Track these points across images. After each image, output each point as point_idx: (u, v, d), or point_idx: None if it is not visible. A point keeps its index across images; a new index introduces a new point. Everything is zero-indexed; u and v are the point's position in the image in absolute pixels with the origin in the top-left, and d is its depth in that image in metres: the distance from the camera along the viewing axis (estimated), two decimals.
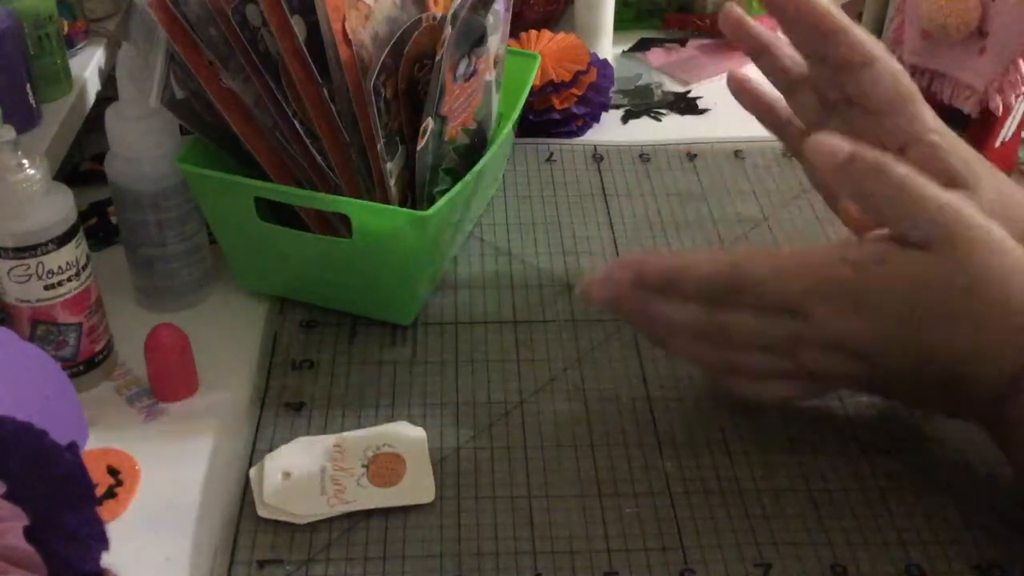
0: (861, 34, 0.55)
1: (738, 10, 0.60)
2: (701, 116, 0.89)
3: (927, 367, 0.49)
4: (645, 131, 0.87)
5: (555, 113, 0.84)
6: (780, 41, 0.61)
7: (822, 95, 0.59)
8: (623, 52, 0.99)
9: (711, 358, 0.54)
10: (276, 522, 0.53)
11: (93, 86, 0.76)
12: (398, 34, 0.58)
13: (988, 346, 0.48)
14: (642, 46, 1.00)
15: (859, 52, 0.55)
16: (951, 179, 0.53)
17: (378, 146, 0.58)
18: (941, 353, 0.48)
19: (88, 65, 0.75)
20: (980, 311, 0.47)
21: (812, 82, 0.60)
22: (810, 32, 0.56)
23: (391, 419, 0.59)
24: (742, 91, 0.64)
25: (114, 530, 0.48)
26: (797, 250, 0.50)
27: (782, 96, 0.62)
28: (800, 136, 0.62)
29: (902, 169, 0.48)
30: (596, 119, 0.87)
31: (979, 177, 0.54)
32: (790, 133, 0.63)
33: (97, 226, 0.74)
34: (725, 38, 0.63)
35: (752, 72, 0.63)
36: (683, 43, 1.00)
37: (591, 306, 0.54)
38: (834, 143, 0.49)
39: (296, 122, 0.59)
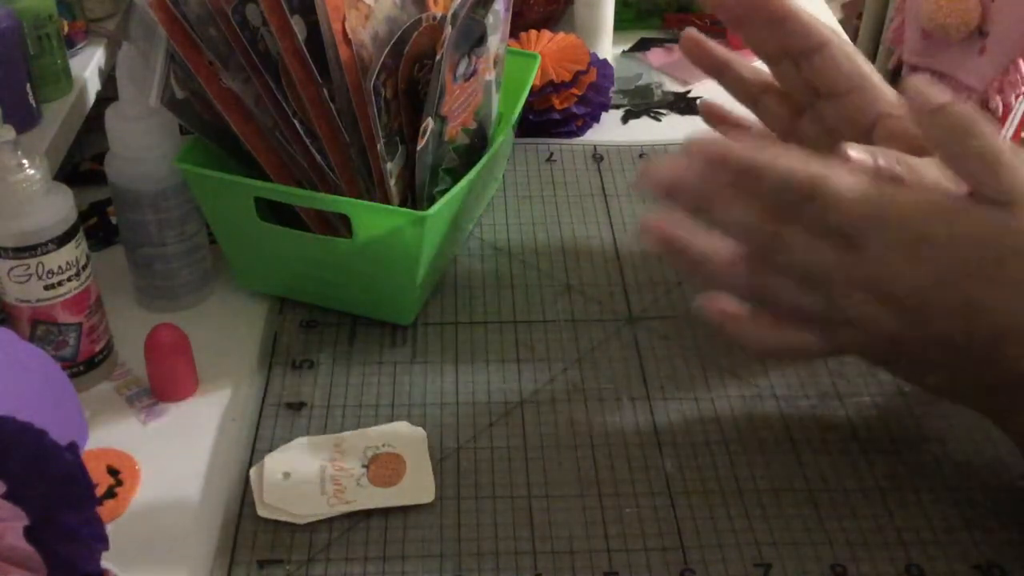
0: (810, 19, 0.57)
1: (696, 32, 0.62)
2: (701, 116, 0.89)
3: (965, 330, 0.48)
4: (645, 131, 0.87)
5: (555, 113, 0.84)
6: (738, 57, 0.62)
7: (790, 98, 0.61)
8: (623, 52, 0.99)
9: (743, 284, 0.51)
10: (276, 522, 0.53)
11: (93, 86, 0.76)
12: (398, 34, 0.58)
13: None
14: (642, 46, 1.00)
15: (812, 37, 0.57)
16: (921, 151, 0.53)
17: (378, 146, 0.58)
18: (986, 315, 0.48)
19: (88, 65, 0.75)
20: None
21: (777, 87, 0.61)
22: (761, 24, 0.57)
23: (391, 419, 0.59)
24: (712, 116, 0.66)
25: (114, 530, 0.49)
26: (878, 183, 0.49)
27: (750, 113, 0.63)
28: (776, 107, 0.63)
29: (992, 128, 0.48)
30: (596, 119, 0.87)
31: None
32: (765, 109, 0.64)
33: (97, 226, 0.74)
34: (725, 38, 0.64)
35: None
36: None
37: (648, 187, 0.50)
38: (932, 89, 0.48)
39: (296, 122, 0.59)
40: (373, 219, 0.59)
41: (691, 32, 0.62)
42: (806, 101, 0.60)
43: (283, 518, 0.53)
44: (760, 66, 0.63)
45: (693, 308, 0.54)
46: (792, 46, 0.58)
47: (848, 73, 0.57)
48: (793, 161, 0.49)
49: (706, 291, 0.53)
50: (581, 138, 0.85)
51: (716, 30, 0.89)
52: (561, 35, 0.85)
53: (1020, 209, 0.47)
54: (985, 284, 0.47)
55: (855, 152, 0.53)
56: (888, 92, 0.56)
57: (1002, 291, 0.47)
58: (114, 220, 0.72)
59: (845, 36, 0.62)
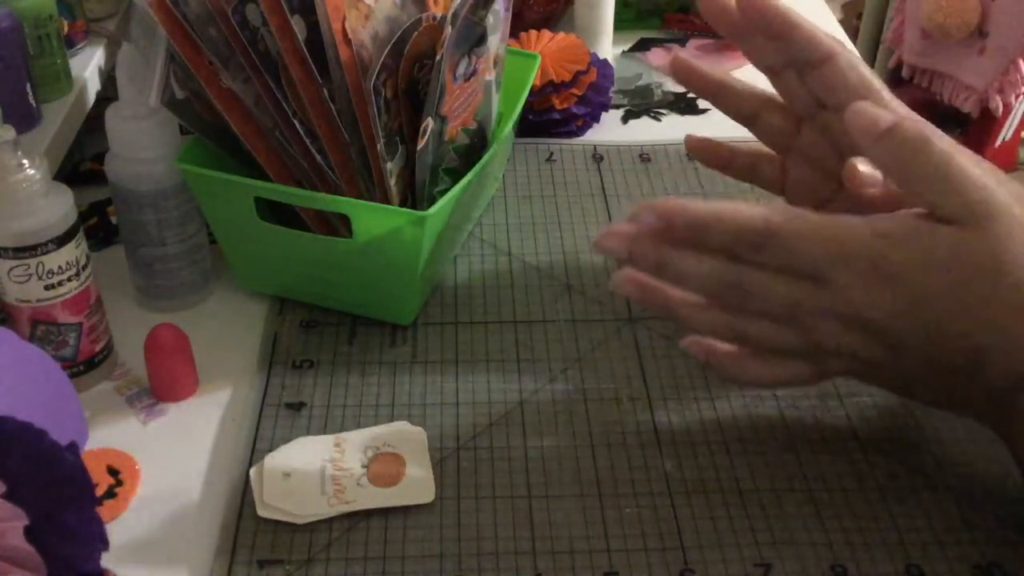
0: (815, 30, 0.56)
1: (685, 57, 0.61)
2: (701, 116, 0.89)
3: (943, 350, 0.48)
4: (645, 131, 0.87)
5: (555, 113, 0.84)
6: (731, 76, 0.62)
7: (789, 111, 0.60)
8: (623, 52, 0.99)
9: (720, 327, 0.52)
10: (276, 522, 0.53)
11: (93, 86, 0.76)
12: (398, 34, 0.58)
13: (1008, 332, 0.47)
14: (642, 46, 1.00)
15: (818, 48, 0.55)
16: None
17: (378, 146, 0.58)
18: (960, 335, 0.48)
19: (88, 65, 0.75)
20: (1005, 295, 0.47)
21: (776, 101, 0.60)
22: (766, 36, 0.56)
23: (391, 419, 0.59)
24: (698, 150, 0.65)
25: (114, 530, 0.49)
26: (829, 216, 0.49)
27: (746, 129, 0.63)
28: (771, 171, 0.63)
29: (943, 141, 0.47)
30: (596, 119, 0.87)
31: None
32: (762, 177, 0.64)
33: (97, 226, 0.74)
34: (725, 38, 0.64)
35: (750, 73, 0.63)
36: (683, 43, 1.00)
37: (606, 254, 0.51)
38: (877, 112, 0.48)
39: (296, 122, 0.59)
40: (373, 219, 0.59)
41: (679, 57, 0.61)
42: (808, 113, 0.59)
43: (283, 518, 0.53)
44: (753, 80, 0.63)
45: (680, 346, 0.55)
46: (796, 58, 0.56)
47: (855, 85, 0.55)
48: (740, 210, 0.49)
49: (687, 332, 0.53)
50: (581, 138, 0.85)
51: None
52: (561, 35, 0.85)
53: (979, 227, 0.47)
54: (955, 305, 0.47)
55: (864, 167, 0.53)
56: (893, 102, 0.56)
57: (972, 311, 0.47)
58: (114, 220, 0.72)
59: (850, 44, 0.62)
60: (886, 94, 0.56)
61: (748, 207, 0.49)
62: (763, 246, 0.48)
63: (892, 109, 0.55)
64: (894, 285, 0.48)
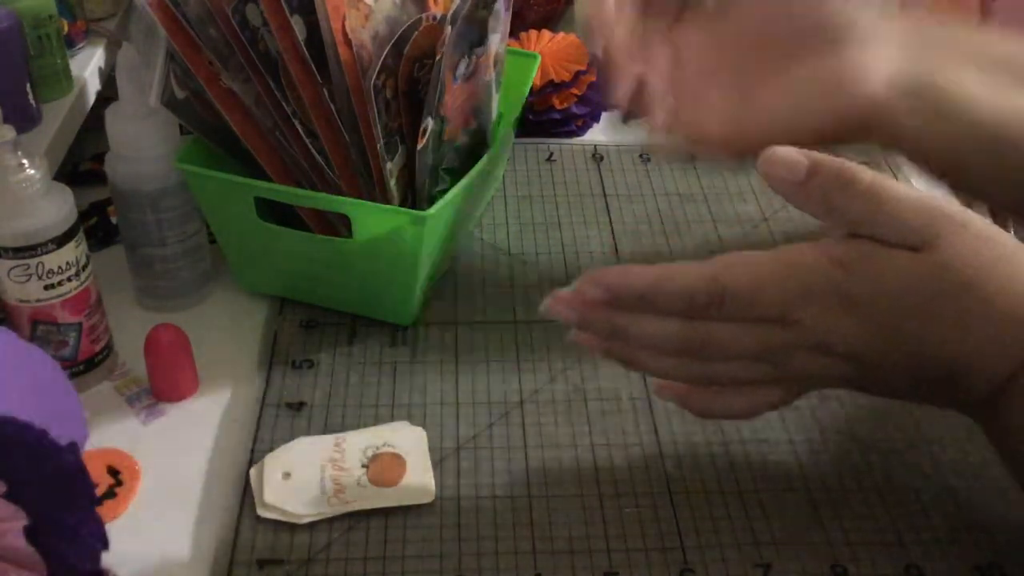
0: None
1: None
2: None
3: (918, 367, 0.48)
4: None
5: (555, 113, 0.84)
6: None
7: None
8: None
9: (684, 372, 0.50)
10: (276, 522, 0.53)
11: (93, 86, 0.76)
12: (398, 34, 0.57)
13: (978, 346, 0.47)
14: None
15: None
16: None
17: (378, 146, 0.58)
18: (932, 353, 0.47)
19: (88, 65, 0.75)
20: (976, 308, 0.46)
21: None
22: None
23: (391, 419, 0.59)
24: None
25: (114, 530, 0.49)
26: (779, 254, 0.47)
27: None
28: None
29: (868, 174, 0.46)
30: (596, 119, 0.87)
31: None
32: None
33: (97, 226, 0.74)
34: None
35: None
36: None
37: (555, 320, 0.49)
38: (790, 157, 0.46)
39: (296, 122, 0.59)
40: (373, 219, 0.59)
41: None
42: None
43: (283, 518, 0.53)
44: None
45: (653, 392, 0.53)
46: None
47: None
48: (686, 273, 0.47)
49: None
50: (581, 138, 0.85)
51: None
52: (561, 35, 0.85)
53: (933, 249, 0.45)
54: (922, 326, 0.46)
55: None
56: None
57: (940, 329, 0.46)
58: (114, 220, 0.72)
59: None
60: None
61: (693, 267, 0.47)
62: (719, 304, 0.47)
63: None
64: (859, 311, 0.46)
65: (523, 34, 0.85)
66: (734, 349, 0.48)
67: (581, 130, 0.86)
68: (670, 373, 0.50)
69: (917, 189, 0.47)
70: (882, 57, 0.55)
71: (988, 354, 0.47)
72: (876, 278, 0.46)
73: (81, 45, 0.76)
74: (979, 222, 0.47)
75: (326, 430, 0.58)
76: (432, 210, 0.59)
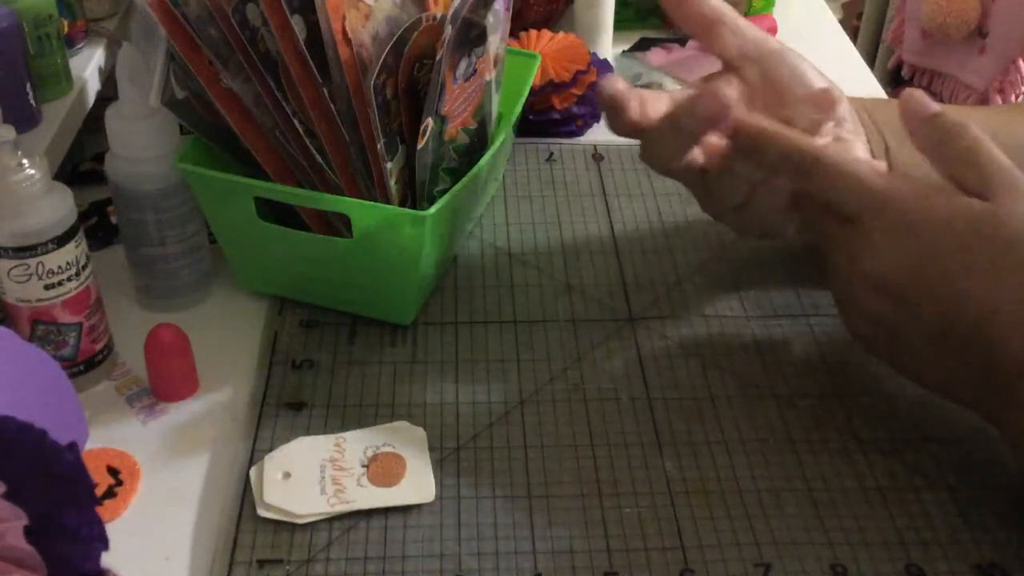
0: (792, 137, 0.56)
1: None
2: None
3: (955, 322, 0.50)
4: None
5: (555, 113, 0.84)
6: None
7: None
8: (623, 52, 0.99)
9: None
10: (276, 522, 0.53)
11: (93, 86, 0.76)
12: (398, 34, 0.58)
13: (1018, 309, 0.49)
14: (642, 46, 1.00)
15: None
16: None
17: (378, 146, 0.58)
18: (971, 306, 0.50)
19: (88, 65, 0.75)
20: (1018, 267, 0.49)
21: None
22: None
23: (391, 419, 0.59)
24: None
25: (114, 530, 0.49)
26: (869, 160, 0.55)
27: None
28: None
29: (976, 131, 0.52)
30: (596, 119, 0.87)
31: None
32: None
33: (97, 226, 0.74)
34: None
35: None
36: (683, 42, 1.00)
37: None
38: (925, 100, 0.53)
39: (296, 122, 0.59)
40: (373, 219, 0.59)
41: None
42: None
43: (283, 518, 0.53)
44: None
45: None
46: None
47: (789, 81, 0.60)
48: (796, 139, 0.54)
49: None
50: (581, 138, 0.85)
51: None
52: (561, 35, 0.85)
53: (999, 201, 0.50)
54: (967, 274, 0.50)
55: (920, 93, 0.56)
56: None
57: (983, 280, 0.50)
58: (114, 220, 0.72)
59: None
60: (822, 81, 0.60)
61: (802, 136, 0.54)
62: (808, 172, 0.53)
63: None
64: (921, 241, 0.51)
65: (523, 34, 0.85)
66: (799, 199, 0.57)
67: (581, 130, 0.86)
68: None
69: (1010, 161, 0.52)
70: None
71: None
72: (946, 212, 0.51)
73: (81, 45, 0.76)
74: None
75: (326, 430, 0.58)
76: (432, 210, 0.59)
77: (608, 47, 0.94)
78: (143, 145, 0.61)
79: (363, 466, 0.55)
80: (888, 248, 0.52)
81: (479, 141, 0.66)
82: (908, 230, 0.51)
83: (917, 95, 0.54)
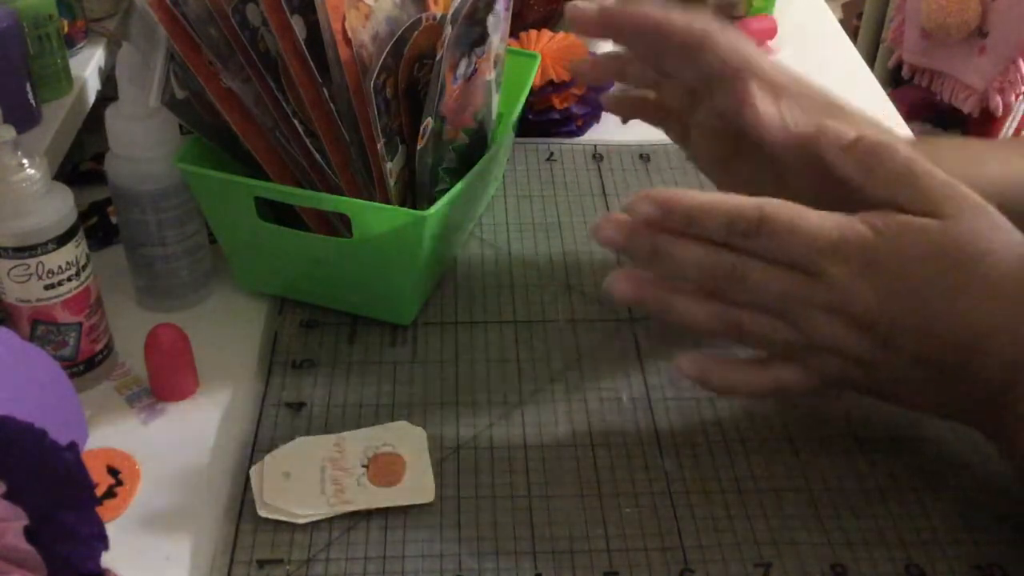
0: (680, 19, 0.56)
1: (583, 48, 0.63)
2: None
3: (933, 346, 0.49)
4: (645, 131, 0.86)
5: (555, 113, 0.84)
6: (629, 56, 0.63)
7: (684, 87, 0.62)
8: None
9: (713, 321, 0.52)
10: (276, 522, 0.53)
11: (93, 86, 0.76)
12: (398, 34, 0.58)
13: (995, 324, 0.48)
14: None
15: (690, 36, 0.56)
16: (830, 111, 0.56)
17: (378, 146, 0.58)
18: (949, 325, 0.48)
19: (88, 65, 0.75)
20: (994, 283, 0.48)
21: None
22: (638, 39, 0.59)
23: (391, 419, 0.59)
24: (620, 105, 0.67)
25: (114, 530, 0.49)
26: (820, 211, 0.51)
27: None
28: (683, 134, 0.64)
29: (905, 147, 0.50)
30: (596, 119, 0.87)
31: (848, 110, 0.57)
32: (676, 131, 0.65)
33: (97, 226, 0.74)
34: None
35: None
36: None
37: (603, 242, 0.52)
38: (840, 127, 0.51)
39: (296, 122, 0.60)
40: (373, 219, 0.59)
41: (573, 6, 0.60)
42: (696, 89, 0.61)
43: (283, 518, 0.53)
44: None
45: (672, 376, 0.56)
46: (674, 50, 0.58)
47: (734, 63, 0.56)
48: (736, 197, 0.50)
49: (678, 327, 0.54)
50: (581, 138, 0.85)
51: None
52: (561, 35, 0.85)
53: (956, 219, 0.48)
54: (941, 295, 0.48)
55: (833, 124, 0.53)
56: (778, 74, 0.57)
57: (956, 302, 0.48)
58: (114, 220, 0.72)
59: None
60: (766, 64, 0.57)
61: (742, 196, 0.50)
62: (757, 233, 0.49)
63: (776, 80, 0.57)
64: (884, 276, 0.49)
65: (523, 34, 0.85)
66: (760, 288, 0.50)
67: (581, 130, 0.86)
68: (699, 321, 0.52)
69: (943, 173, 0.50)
70: None
71: (1005, 334, 0.48)
72: (904, 244, 0.49)
73: (81, 45, 0.76)
74: (994, 209, 0.49)
75: (326, 430, 0.58)
76: (432, 210, 0.59)
77: (608, 47, 0.94)
78: (143, 145, 0.61)
79: (363, 466, 0.55)
80: (856, 291, 0.49)
81: (479, 141, 0.66)
82: (875, 269, 0.49)
83: (831, 125, 0.51)
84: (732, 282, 0.51)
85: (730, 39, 0.57)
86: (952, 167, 0.50)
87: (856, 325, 0.50)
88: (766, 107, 0.55)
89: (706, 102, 0.59)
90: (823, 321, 0.50)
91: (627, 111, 0.68)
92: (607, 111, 0.69)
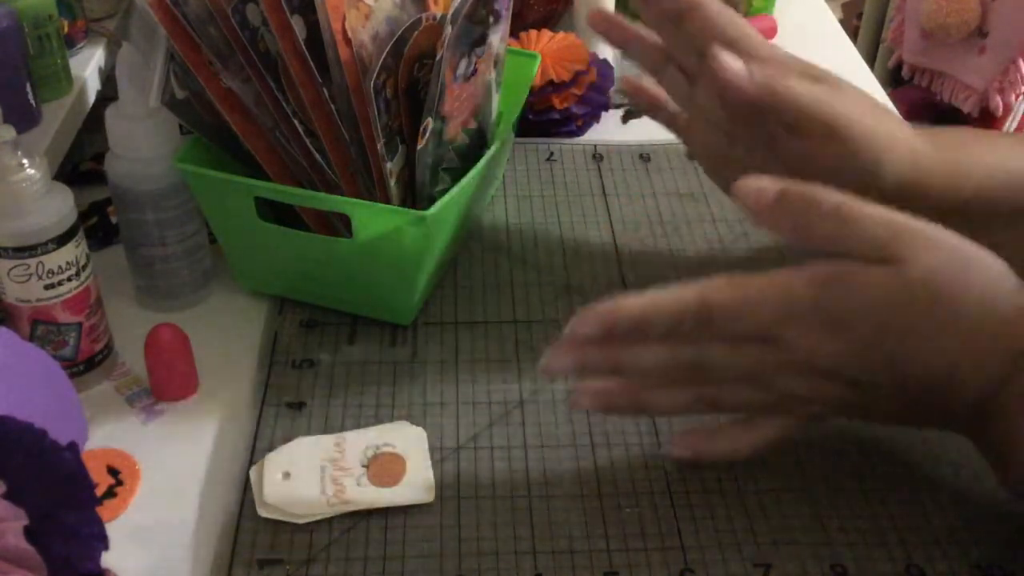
0: None
1: (603, 8, 0.64)
2: None
3: (905, 381, 0.48)
4: (645, 131, 0.87)
5: (555, 113, 0.84)
6: (644, 29, 0.64)
7: (683, 66, 0.62)
8: (623, 52, 0.98)
9: (691, 404, 0.52)
10: (276, 522, 0.53)
11: (93, 86, 0.76)
12: (398, 34, 0.58)
13: (961, 353, 0.47)
14: None
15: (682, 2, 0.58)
16: (814, 77, 0.56)
17: (378, 146, 0.58)
18: (916, 365, 0.48)
19: (88, 65, 0.75)
20: (952, 320, 0.47)
21: (672, 55, 0.62)
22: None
23: (391, 419, 0.59)
24: (638, 94, 0.68)
25: (114, 530, 0.49)
26: (764, 275, 0.49)
27: (660, 86, 0.65)
28: (686, 128, 0.65)
29: (835, 196, 0.47)
30: (596, 119, 0.87)
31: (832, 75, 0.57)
32: (679, 127, 0.66)
33: (97, 226, 0.74)
34: None
35: None
36: None
37: (557, 375, 0.52)
38: (760, 184, 0.49)
39: (296, 122, 0.60)
40: (373, 219, 0.59)
41: (597, 9, 0.64)
42: (696, 70, 0.60)
43: (283, 518, 0.53)
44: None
45: (670, 456, 0.56)
46: (666, 11, 0.59)
47: (726, 32, 0.57)
48: (674, 295, 0.49)
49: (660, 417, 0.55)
50: (581, 138, 0.85)
51: None
52: (561, 35, 0.85)
53: (902, 262, 0.47)
54: (901, 340, 0.47)
55: (726, 57, 0.55)
56: (764, 49, 0.57)
57: (919, 341, 0.47)
58: (114, 220, 0.72)
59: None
60: (756, 38, 0.57)
61: (681, 289, 0.49)
62: (706, 324, 0.48)
63: (763, 53, 0.57)
64: (839, 330, 0.48)
65: (523, 34, 0.85)
66: (728, 369, 0.50)
67: (581, 130, 0.86)
68: (678, 407, 0.52)
69: (882, 207, 0.48)
70: None
71: (974, 359, 0.48)
72: (851, 294, 0.47)
73: (81, 45, 0.76)
74: (944, 232, 0.47)
75: (326, 430, 0.58)
76: (432, 210, 0.59)
77: (608, 47, 0.94)
78: (143, 145, 0.61)
79: (363, 466, 0.55)
80: (816, 347, 0.48)
81: (479, 141, 0.66)
82: (830, 324, 0.47)
83: (748, 182, 0.49)
84: (697, 371, 0.50)
85: (719, 8, 0.58)
86: (943, 151, 0.50)
87: (827, 376, 0.49)
88: (732, 61, 0.55)
89: (701, 85, 0.60)
90: (795, 381, 0.49)
91: (647, 105, 0.68)
92: (630, 97, 0.70)
